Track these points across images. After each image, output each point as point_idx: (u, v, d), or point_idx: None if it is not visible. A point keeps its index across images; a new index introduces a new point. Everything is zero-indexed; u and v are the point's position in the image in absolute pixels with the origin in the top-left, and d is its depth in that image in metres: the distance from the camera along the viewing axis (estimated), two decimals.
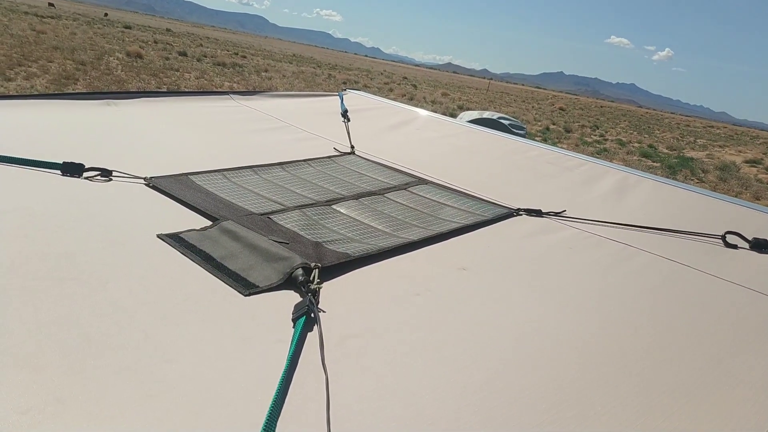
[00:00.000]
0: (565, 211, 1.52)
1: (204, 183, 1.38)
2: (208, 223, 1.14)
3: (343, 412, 0.64)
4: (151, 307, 0.81)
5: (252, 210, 1.25)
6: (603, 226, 1.45)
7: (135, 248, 0.99)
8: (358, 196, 1.48)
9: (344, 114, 2.23)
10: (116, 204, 1.18)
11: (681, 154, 16.68)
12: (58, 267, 0.87)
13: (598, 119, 30.29)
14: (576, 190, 1.78)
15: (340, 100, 2.44)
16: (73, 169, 1.27)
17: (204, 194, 1.30)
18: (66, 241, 0.97)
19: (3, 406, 0.58)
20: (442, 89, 33.44)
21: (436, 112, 2.76)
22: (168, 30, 47.31)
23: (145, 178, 1.31)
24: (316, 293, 0.89)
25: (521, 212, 1.51)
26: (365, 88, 19.15)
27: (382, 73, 43.66)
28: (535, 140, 2.56)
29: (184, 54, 21.93)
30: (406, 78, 42.39)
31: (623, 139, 19.55)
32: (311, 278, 0.92)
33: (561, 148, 2.29)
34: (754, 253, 1.36)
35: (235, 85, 15.38)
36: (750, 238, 1.39)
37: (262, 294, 0.89)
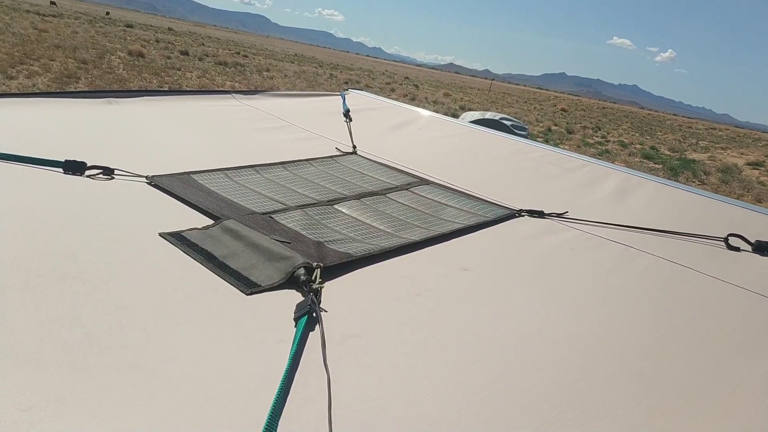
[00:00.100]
0: (567, 212, 1.51)
1: (206, 182, 1.38)
2: (210, 221, 1.14)
3: (345, 411, 0.64)
4: (152, 305, 0.81)
5: (254, 209, 1.25)
6: (605, 227, 1.45)
7: (137, 247, 0.99)
8: (359, 196, 1.48)
9: (346, 114, 2.23)
10: (118, 202, 1.18)
11: (683, 156, 16.65)
12: (59, 265, 0.87)
13: (600, 120, 30.26)
14: (578, 192, 1.78)
15: (342, 100, 2.44)
16: (74, 168, 1.27)
17: (206, 193, 1.30)
18: (68, 239, 0.97)
19: (5, 403, 0.58)
20: (443, 89, 33.42)
21: (437, 112, 2.76)
22: (170, 29, 47.33)
23: (146, 177, 1.31)
24: (318, 293, 0.89)
25: (523, 213, 1.50)
26: (367, 88, 19.12)
27: (383, 73, 43.62)
28: (537, 141, 2.56)
29: (185, 53, 21.92)
30: (407, 78, 42.36)
31: (625, 140, 19.51)
32: (313, 278, 0.92)
33: (563, 149, 2.29)
34: (757, 256, 1.36)
35: (236, 84, 15.38)
36: (752, 241, 1.39)
37: (264, 293, 0.89)
